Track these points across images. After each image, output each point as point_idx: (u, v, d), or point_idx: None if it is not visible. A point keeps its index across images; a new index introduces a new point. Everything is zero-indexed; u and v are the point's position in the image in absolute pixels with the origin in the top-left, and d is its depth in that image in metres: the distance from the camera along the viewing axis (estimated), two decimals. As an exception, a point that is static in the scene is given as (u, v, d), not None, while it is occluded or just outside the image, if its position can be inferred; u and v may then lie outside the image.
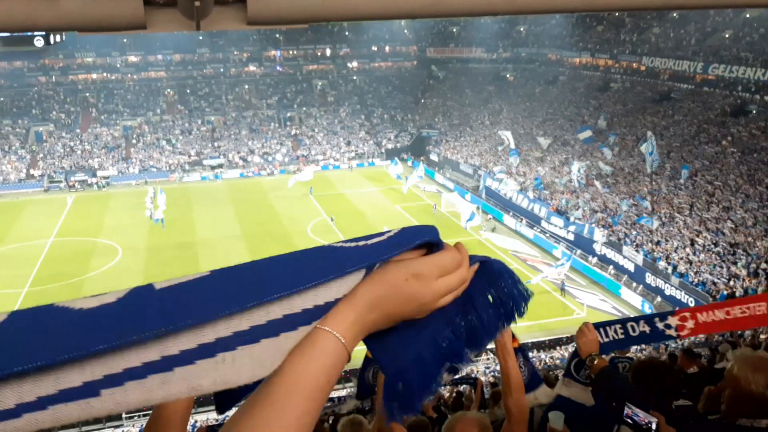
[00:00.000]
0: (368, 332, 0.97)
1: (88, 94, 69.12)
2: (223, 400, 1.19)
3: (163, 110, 68.61)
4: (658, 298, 30.57)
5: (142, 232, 41.91)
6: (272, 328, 0.88)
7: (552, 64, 69.02)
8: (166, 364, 0.80)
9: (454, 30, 77.96)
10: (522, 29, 74.44)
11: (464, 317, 1.14)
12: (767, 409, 2.71)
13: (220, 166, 60.72)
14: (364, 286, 0.96)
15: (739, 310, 3.61)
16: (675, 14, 53.53)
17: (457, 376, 20.79)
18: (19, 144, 60.73)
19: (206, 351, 0.83)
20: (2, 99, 65.94)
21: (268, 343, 0.88)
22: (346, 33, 76.92)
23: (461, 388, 11.97)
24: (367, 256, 0.98)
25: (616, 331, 3.82)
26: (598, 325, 3.79)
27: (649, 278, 31.54)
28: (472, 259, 1.14)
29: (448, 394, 11.92)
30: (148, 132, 65.23)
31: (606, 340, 3.77)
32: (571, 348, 25.46)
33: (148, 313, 0.80)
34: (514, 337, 3.00)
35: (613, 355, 6.55)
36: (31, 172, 57.16)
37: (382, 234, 1.03)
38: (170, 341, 0.80)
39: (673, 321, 3.76)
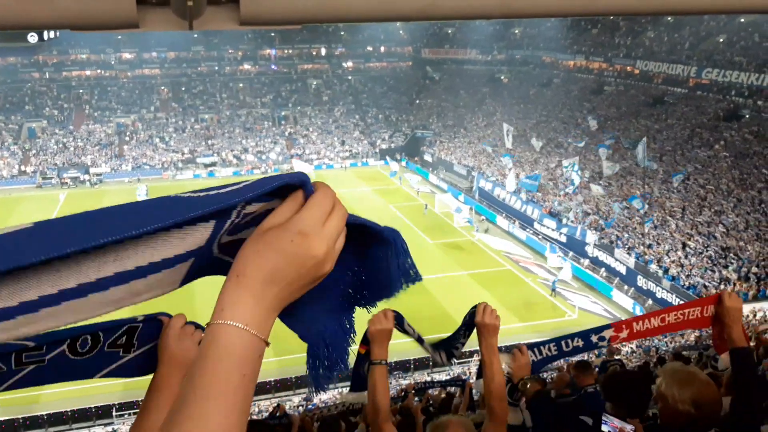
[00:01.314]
0: (277, 310, 0.89)
1: (81, 91, 68.86)
2: None
3: (157, 108, 68.41)
4: (650, 301, 30.67)
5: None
6: (102, 285, 0.83)
7: (546, 66, 69.23)
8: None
9: (450, 31, 78.07)
10: (517, 31, 74.62)
11: (361, 263, 1.13)
12: (696, 425, 2.66)
13: (214, 164, 60.58)
14: (250, 263, 0.87)
15: (673, 317, 3.71)
16: (669, 18, 53.74)
17: (446, 378, 20.72)
18: (11, 140, 60.43)
19: (28, 307, 0.78)
20: (-5, 94, 65.68)
21: (94, 297, 0.83)
22: (342, 33, 76.90)
23: (451, 389, 11.99)
24: (214, 202, 0.89)
25: (549, 349, 3.92)
26: (532, 345, 3.88)
27: (641, 281, 31.65)
28: (359, 218, 1.11)
29: (437, 395, 11.93)
30: (142, 129, 65.02)
31: (539, 357, 3.86)
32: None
33: None
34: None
35: (605, 358, 6.56)
36: (24, 168, 56.89)
37: (238, 183, 0.94)
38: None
39: (607, 333, 3.87)
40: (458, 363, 24.43)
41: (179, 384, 1.57)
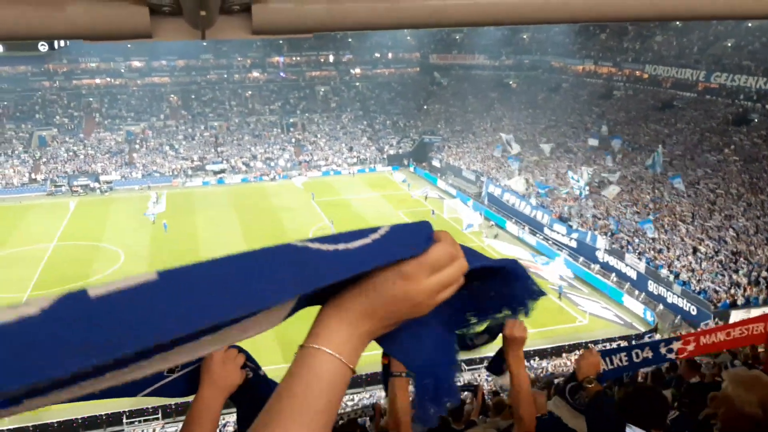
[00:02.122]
0: (367, 342, 0.93)
1: (91, 99, 69.31)
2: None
3: (167, 115, 68.76)
4: (660, 306, 30.51)
5: (144, 236, 41.95)
6: (212, 328, 0.78)
7: (555, 71, 69.13)
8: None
9: (457, 37, 78.12)
10: (525, 37, 74.58)
11: (473, 310, 1.14)
12: (761, 429, 2.67)
13: (223, 171, 60.78)
14: (351, 296, 0.90)
15: (738, 332, 3.74)
16: (678, 23, 53.61)
17: (458, 385, 20.79)
18: (22, 148, 60.86)
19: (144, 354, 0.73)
20: (6, 103, 66.11)
21: (207, 338, 0.80)
22: (349, 40, 77.09)
23: (462, 395, 11.92)
24: (349, 264, 0.88)
25: (621, 359, 3.91)
26: (605, 353, 3.87)
27: (651, 286, 31.48)
28: (482, 258, 1.12)
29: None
30: (152, 137, 65.36)
31: (611, 367, 3.84)
32: (574, 357, 25.42)
33: (72, 340, 0.65)
34: None
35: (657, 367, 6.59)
36: (34, 176, 57.26)
37: (365, 234, 0.95)
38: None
39: (676, 345, 3.89)
40: (468, 369, 24.36)
41: (220, 406, 1.61)
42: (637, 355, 3.94)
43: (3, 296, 32.94)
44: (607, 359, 3.86)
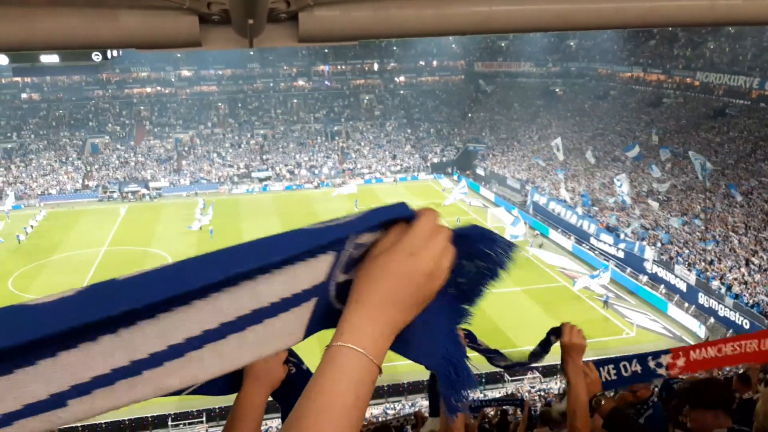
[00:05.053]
0: (392, 334, 0.93)
1: (142, 108, 71.14)
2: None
3: (214, 123, 70.07)
4: (711, 320, 29.64)
5: (191, 242, 42.72)
6: (240, 324, 0.85)
7: (602, 78, 68.06)
8: (135, 369, 0.77)
9: (503, 44, 77.62)
10: (572, 44, 73.66)
11: (454, 282, 1.14)
12: None
13: (268, 178, 61.57)
14: (365, 288, 0.93)
15: (730, 348, 3.59)
16: (731, 29, 52.24)
17: (501, 396, 20.45)
18: (75, 155, 62.82)
19: (175, 352, 0.80)
20: (61, 112, 68.44)
21: (233, 338, 0.85)
22: (394, 48, 77.36)
23: (505, 407, 11.78)
24: (333, 232, 0.95)
25: (609, 372, 3.80)
26: (595, 364, 3.75)
27: (702, 298, 30.61)
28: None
29: (492, 413, 11.77)
30: (199, 144, 66.69)
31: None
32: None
33: (110, 306, 0.75)
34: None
35: (666, 378, 6.39)
36: (87, 182, 58.97)
37: (349, 216, 1.00)
38: (138, 341, 0.77)
39: (665, 360, 3.73)
40: (512, 380, 24.10)
41: (263, 402, 1.63)
42: (626, 369, 3.80)
43: (56, 299, 33.92)
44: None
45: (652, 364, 3.79)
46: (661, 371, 3.76)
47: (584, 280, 32.55)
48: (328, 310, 0.98)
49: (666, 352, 3.81)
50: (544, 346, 3.02)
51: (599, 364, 3.76)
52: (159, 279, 0.81)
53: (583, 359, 3.44)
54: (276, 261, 0.87)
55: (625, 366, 3.80)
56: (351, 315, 0.91)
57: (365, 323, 0.90)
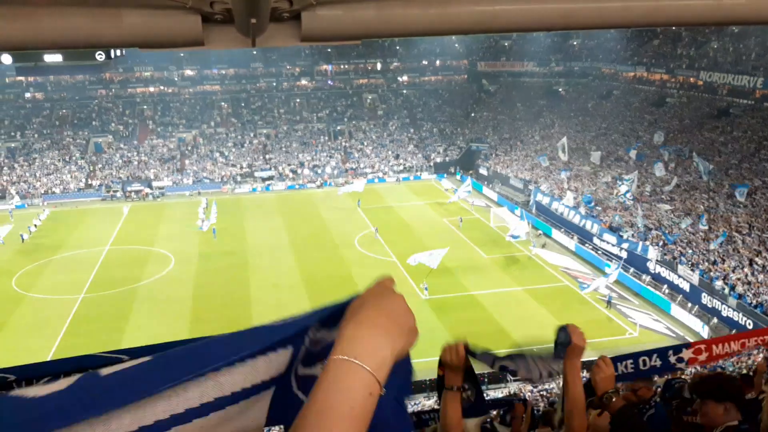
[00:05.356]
0: (393, 351, 0.98)
1: (145, 107, 71.19)
2: None
3: (217, 123, 70.10)
4: (715, 320, 29.58)
5: (194, 241, 42.77)
6: (203, 410, 0.96)
7: (606, 78, 67.92)
8: None
9: (506, 44, 77.49)
10: (575, 43, 73.53)
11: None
12: None
13: (271, 178, 61.59)
14: (360, 309, 1.01)
15: (753, 342, 3.56)
16: (734, 28, 52.08)
17: (503, 396, 20.44)
18: (79, 154, 62.89)
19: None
20: (64, 111, 68.52)
21: (198, 422, 0.96)
22: (397, 47, 77.31)
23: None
24: (290, 328, 1.06)
25: (626, 366, 3.75)
26: (612, 360, 3.71)
27: (705, 299, 30.55)
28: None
29: (495, 413, 11.73)
30: (202, 144, 66.72)
31: (615, 373, 3.68)
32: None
33: (94, 396, 0.89)
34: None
35: (668, 377, 6.35)
36: (90, 181, 59.04)
37: (306, 312, 1.11)
38: (113, 425, 0.88)
39: (686, 354, 3.69)
40: (514, 380, 24.07)
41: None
42: (644, 363, 3.75)
43: (59, 297, 34.01)
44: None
45: (672, 358, 3.74)
46: (681, 365, 3.72)
47: (598, 282, 32.19)
48: (292, 400, 1.09)
49: (687, 346, 3.77)
50: (558, 352, 3.02)
51: (618, 359, 3.71)
52: (138, 379, 0.94)
53: (600, 356, 3.41)
54: (240, 356, 0.98)
55: (644, 360, 3.75)
56: (346, 330, 0.96)
57: (360, 335, 0.94)
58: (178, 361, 0.98)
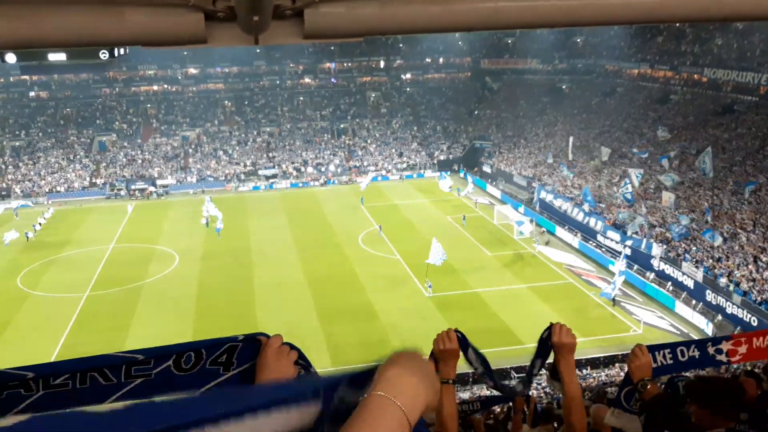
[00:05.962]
0: (425, 398, 1.08)
1: (149, 105, 71.30)
2: None
3: (221, 121, 70.18)
4: (719, 317, 29.52)
5: (198, 239, 42.85)
6: None
7: (609, 75, 67.72)
8: None
9: (510, 41, 77.33)
10: (579, 40, 73.35)
11: None
12: None
13: (275, 176, 61.66)
14: (397, 362, 1.11)
15: None
16: (739, 25, 51.90)
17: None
18: (83, 153, 63.04)
19: None
20: (69, 110, 68.67)
21: None
22: (400, 45, 77.23)
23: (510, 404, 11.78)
24: (321, 384, 1.13)
25: (665, 356, 3.69)
26: (649, 350, 3.66)
27: (710, 296, 30.48)
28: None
29: (498, 410, 11.77)
30: (206, 142, 66.80)
31: (654, 365, 3.63)
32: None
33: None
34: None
35: (672, 375, 6.32)
36: (94, 180, 59.18)
37: (337, 374, 1.19)
38: None
39: (725, 346, 3.62)
40: (517, 377, 24.03)
41: None
42: (683, 354, 3.69)
43: (64, 296, 34.11)
44: (651, 355, 3.65)
45: (711, 350, 3.68)
46: (721, 357, 3.64)
47: (614, 282, 31.80)
48: None
49: (728, 338, 3.70)
50: (541, 354, 3.05)
51: (654, 348, 3.67)
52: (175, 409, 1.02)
53: (639, 344, 3.39)
54: (276, 401, 1.05)
55: (682, 351, 3.69)
56: (387, 372, 1.05)
57: (399, 380, 1.03)
58: (224, 402, 1.06)
